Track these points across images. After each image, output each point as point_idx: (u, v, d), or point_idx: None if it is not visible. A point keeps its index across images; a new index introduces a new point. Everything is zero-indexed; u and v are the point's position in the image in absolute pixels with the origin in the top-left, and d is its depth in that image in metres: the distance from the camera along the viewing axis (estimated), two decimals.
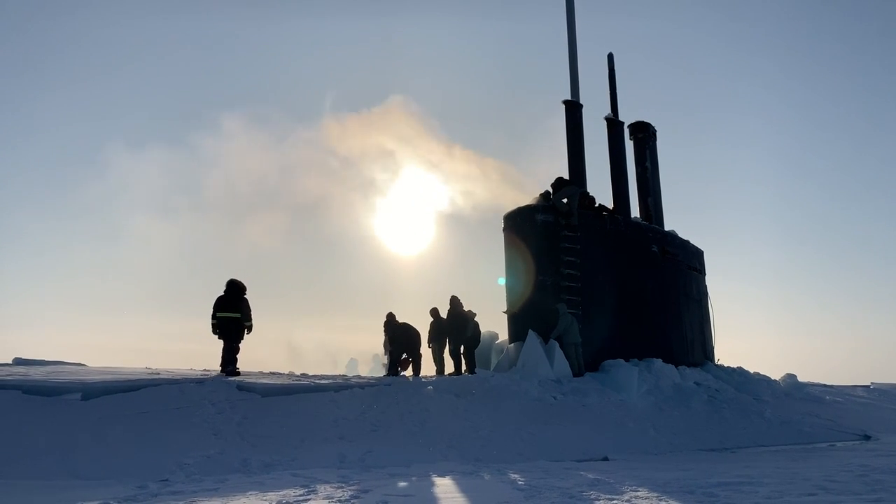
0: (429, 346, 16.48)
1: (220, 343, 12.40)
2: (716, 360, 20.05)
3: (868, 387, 26.29)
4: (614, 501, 6.18)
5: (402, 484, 7.41)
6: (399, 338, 15.27)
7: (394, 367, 15.13)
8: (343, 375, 14.27)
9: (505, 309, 16.71)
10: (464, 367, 15.83)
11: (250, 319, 12.48)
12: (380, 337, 15.87)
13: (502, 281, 17.17)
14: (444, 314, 16.05)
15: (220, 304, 12.34)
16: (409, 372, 15.39)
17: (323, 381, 12.15)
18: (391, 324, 15.34)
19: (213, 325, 12.31)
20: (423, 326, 16.51)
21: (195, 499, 6.40)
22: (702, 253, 21.01)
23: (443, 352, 16.12)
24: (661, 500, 6.26)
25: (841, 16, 76.60)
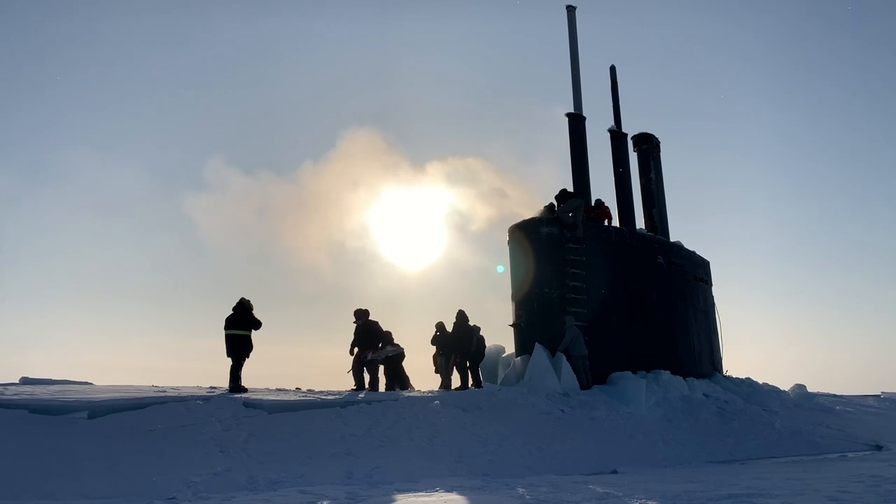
0: (434, 362, 16.49)
1: (228, 361, 12.55)
2: (724, 372, 19.93)
3: (879, 396, 26.09)
4: None
5: (410, 500, 7.37)
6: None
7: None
8: (349, 391, 14.22)
9: (511, 322, 16.68)
10: (470, 382, 15.76)
11: (259, 324, 12.73)
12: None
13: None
14: (449, 328, 16.02)
15: (228, 322, 12.58)
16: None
17: (329, 397, 12.13)
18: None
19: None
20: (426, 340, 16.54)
21: None
22: (708, 263, 20.94)
23: (449, 366, 16.07)
24: None
25: (843, 26, 76.78)
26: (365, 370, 14.34)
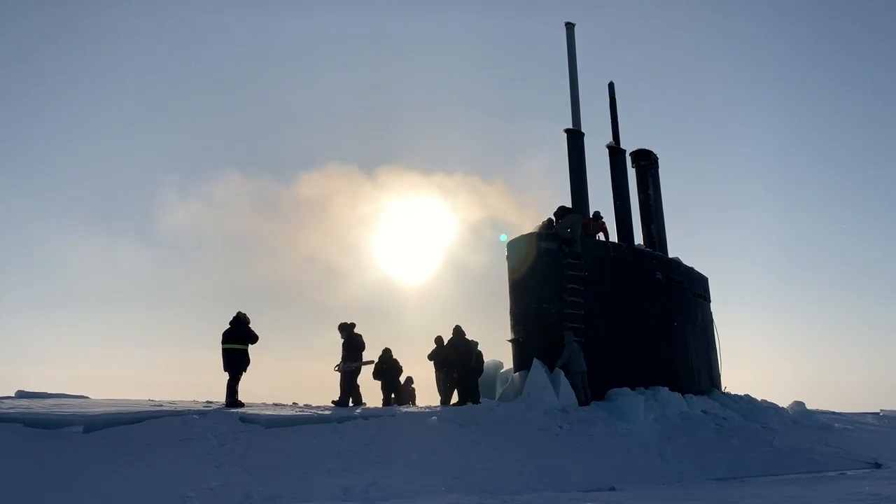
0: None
1: (225, 375, 12.56)
2: (722, 388, 19.88)
3: (878, 414, 26.02)
4: None
5: None
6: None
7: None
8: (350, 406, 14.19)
9: (509, 337, 16.65)
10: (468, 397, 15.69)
11: (256, 338, 12.69)
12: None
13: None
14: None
15: (224, 336, 12.59)
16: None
17: (326, 412, 12.09)
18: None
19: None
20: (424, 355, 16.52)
21: None
22: (706, 279, 20.96)
23: (447, 381, 16.01)
24: None
25: (842, 45, 77.54)
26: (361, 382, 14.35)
